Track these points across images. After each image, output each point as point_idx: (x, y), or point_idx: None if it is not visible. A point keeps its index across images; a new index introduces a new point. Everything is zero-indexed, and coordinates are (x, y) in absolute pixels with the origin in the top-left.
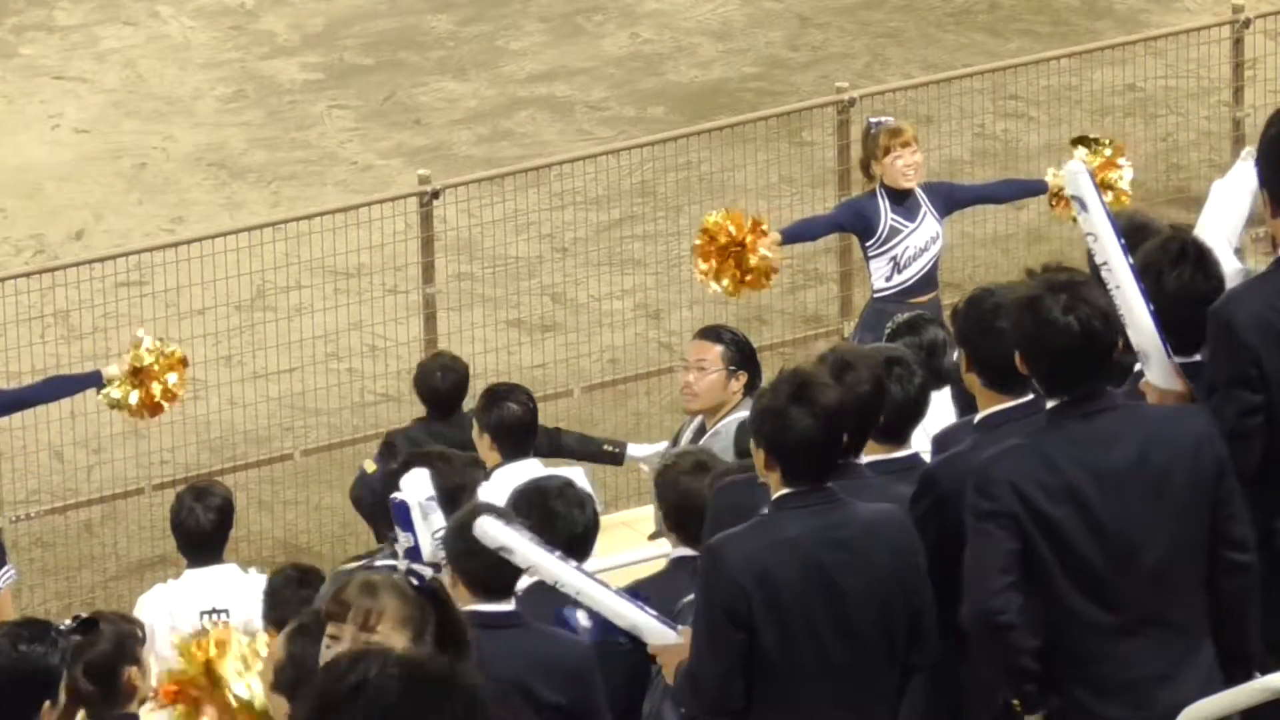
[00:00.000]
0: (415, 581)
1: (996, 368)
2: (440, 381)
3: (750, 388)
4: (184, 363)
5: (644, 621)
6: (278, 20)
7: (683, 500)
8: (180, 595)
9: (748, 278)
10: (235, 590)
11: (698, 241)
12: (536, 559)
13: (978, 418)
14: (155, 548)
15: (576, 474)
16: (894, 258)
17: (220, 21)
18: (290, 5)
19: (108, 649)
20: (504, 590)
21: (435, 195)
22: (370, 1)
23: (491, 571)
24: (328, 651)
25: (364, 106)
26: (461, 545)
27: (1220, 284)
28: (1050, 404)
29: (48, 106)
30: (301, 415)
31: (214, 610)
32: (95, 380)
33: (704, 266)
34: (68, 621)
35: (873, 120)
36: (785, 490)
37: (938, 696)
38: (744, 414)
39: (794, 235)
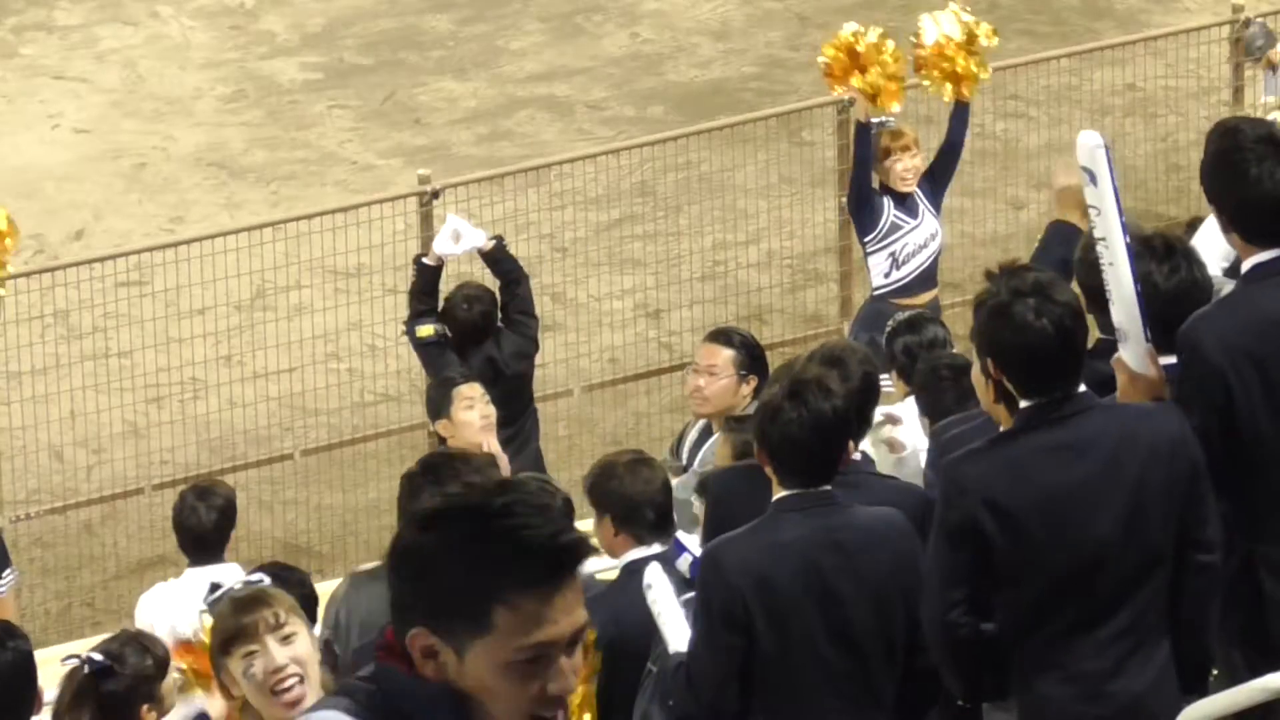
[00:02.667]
0: (269, 581)
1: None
2: (465, 312)
3: (760, 391)
4: None
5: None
6: (278, 20)
7: (626, 499)
8: (181, 594)
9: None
10: None
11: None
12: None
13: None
14: (155, 548)
15: None
16: (893, 254)
17: (220, 21)
18: (290, 5)
19: (120, 691)
20: None
21: (435, 195)
22: (370, 1)
23: None
24: (253, 671)
25: (364, 106)
26: None
27: (1208, 280)
28: (1024, 404)
29: (48, 106)
30: (301, 415)
31: None
32: None
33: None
34: (95, 656)
35: (874, 120)
36: (784, 493)
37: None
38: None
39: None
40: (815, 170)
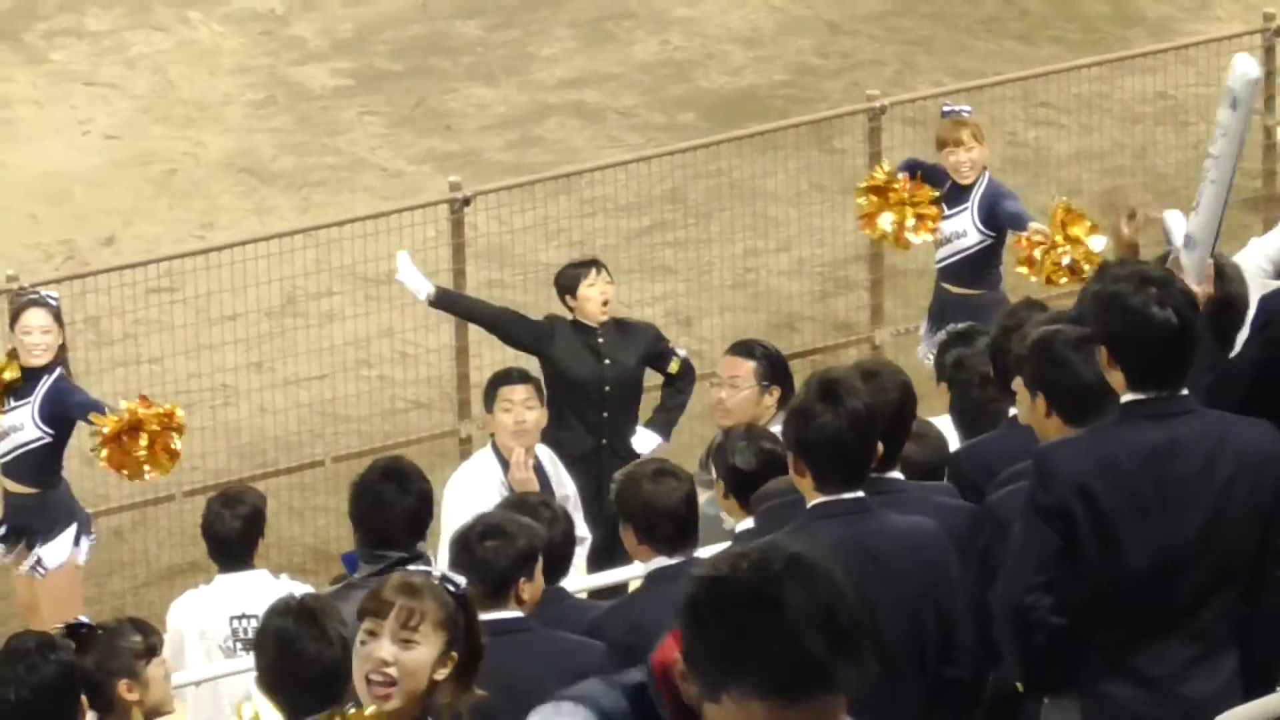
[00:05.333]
0: (451, 588)
1: (1075, 402)
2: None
3: (784, 402)
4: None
5: None
6: (308, 26)
7: (646, 509)
8: (211, 601)
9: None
10: (266, 596)
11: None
12: None
13: None
14: (186, 554)
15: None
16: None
17: (250, 27)
18: (320, 11)
19: (95, 660)
20: (499, 598)
21: (466, 202)
22: (401, 7)
23: (493, 579)
24: (363, 648)
25: (394, 112)
26: (466, 556)
27: (1244, 296)
28: (1127, 398)
29: (78, 112)
30: (332, 422)
31: (244, 615)
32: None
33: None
34: (58, 625)
35: (945, 107)
36: (818, 500)
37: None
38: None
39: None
40: (846, 178)
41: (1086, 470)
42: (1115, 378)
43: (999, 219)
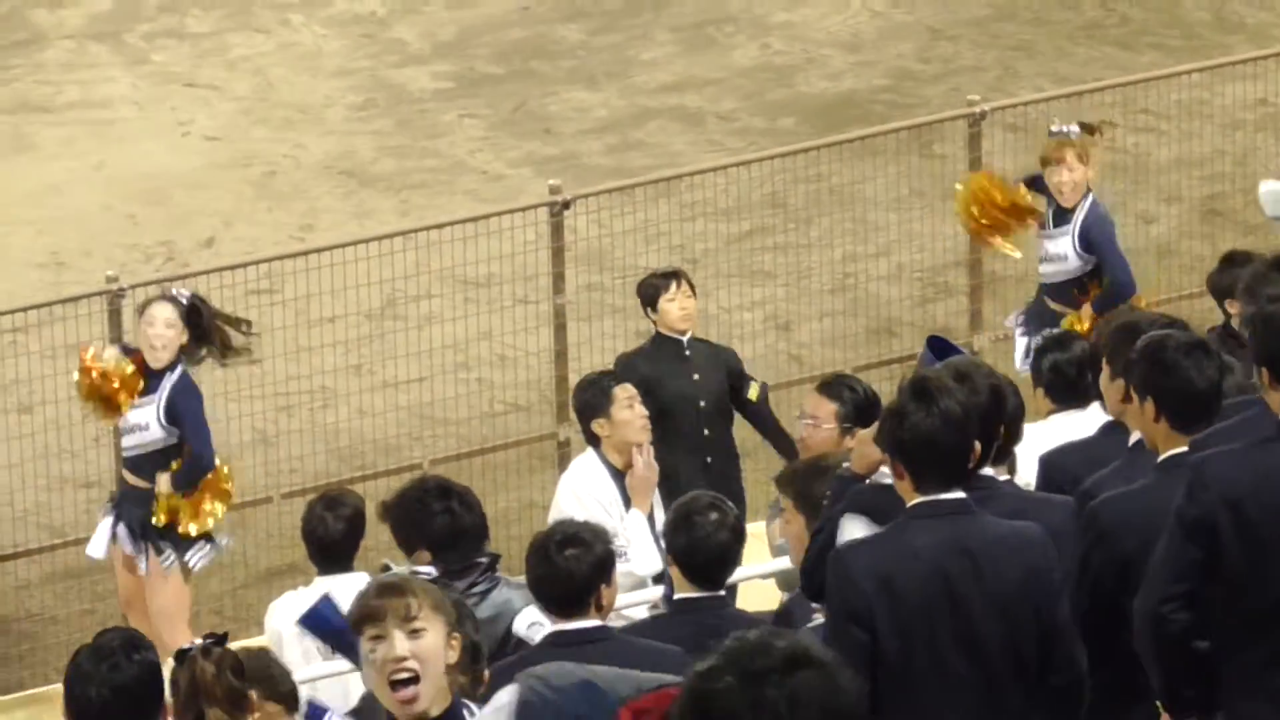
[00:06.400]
0: (425, 576)
1: (1185, 407)
2: None
3: None
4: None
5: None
6: (409, 29)
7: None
8: (311, 603)
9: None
10: None
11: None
12: None
13: (1161, 458)
14: (284, 556)
15: None
16: (1041, 247)
17: (351, 30)
18: (421, 14)
19: (233, 667)
20: (581, 607)
21: (566, 205)
22: (502, 11)
23: (575, 588)
24: (374, 655)
25: (494, 116)
26: (545, 566)
27: None
28: None
29: (178, 113)
30: (430, 425)
31: None
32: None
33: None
34: (199, 640)
35: (1053, 128)
36: (917, 500)
37: None
38: None
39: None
40: (946, 183)
41: (1238, 484)
42: (1275, 398)
43: (1092, 249)
